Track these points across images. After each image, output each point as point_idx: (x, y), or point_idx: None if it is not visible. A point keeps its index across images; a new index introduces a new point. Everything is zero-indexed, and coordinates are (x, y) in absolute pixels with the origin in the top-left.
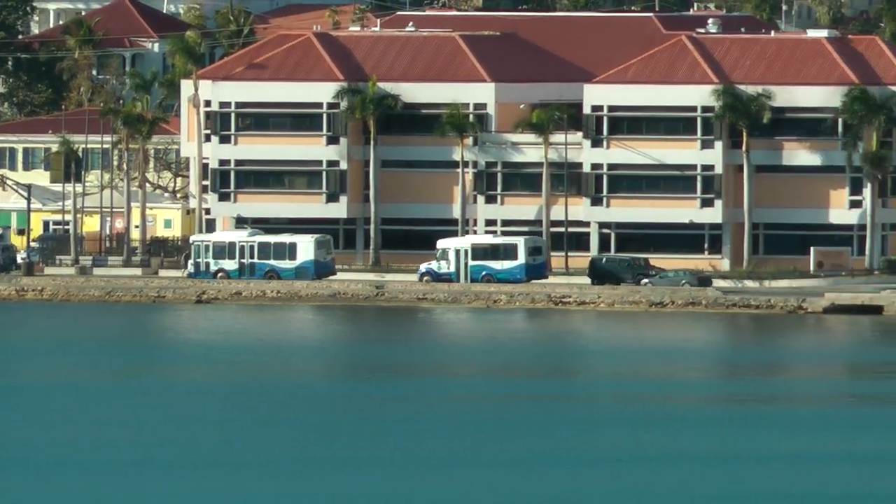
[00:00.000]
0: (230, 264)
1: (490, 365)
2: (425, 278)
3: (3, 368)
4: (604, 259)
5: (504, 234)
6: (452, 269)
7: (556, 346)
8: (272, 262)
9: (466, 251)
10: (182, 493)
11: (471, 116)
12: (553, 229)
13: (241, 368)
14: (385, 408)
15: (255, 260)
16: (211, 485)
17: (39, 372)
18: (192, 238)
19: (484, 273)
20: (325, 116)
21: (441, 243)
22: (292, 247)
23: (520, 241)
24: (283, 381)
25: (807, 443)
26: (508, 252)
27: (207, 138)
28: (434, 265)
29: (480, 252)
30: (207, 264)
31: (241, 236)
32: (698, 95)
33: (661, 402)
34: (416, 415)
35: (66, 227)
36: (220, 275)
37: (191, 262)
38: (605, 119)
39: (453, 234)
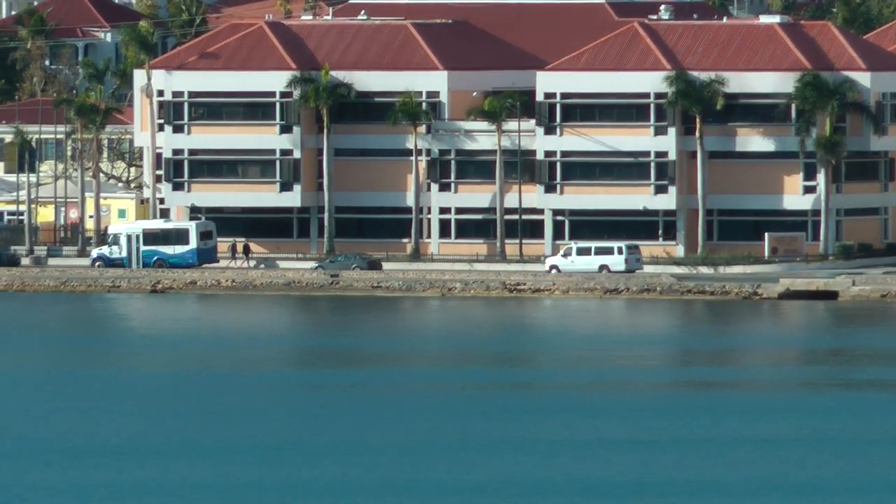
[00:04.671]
0: None
1: (449, 353)
2: (97, 264)
3: None
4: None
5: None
6: (124, 254)
7: (514, 334)
8: None
9: (138, 236)
10: (140, 482)
11: (424, 104)
12: (507, 217)
13: (198, 358)
14: (343, 397)
15: None
16: (160, 472)
17: None
18: None
19: (156, 258)
20: (278, 105)
21: (112, 228)
22: None
23: (191, 226)
24: (242, 371)
25: (762, 428)
26: (180, 237)
27: (161, 128)
28: (106, 250)
29: (152, 237)
30: None
31: None
32: (651, 82)
33: (618, 390)
34: (378, 403)
35: (21, 217)
36: None
37: None
38: (557, 106)
39: (407, 222)
